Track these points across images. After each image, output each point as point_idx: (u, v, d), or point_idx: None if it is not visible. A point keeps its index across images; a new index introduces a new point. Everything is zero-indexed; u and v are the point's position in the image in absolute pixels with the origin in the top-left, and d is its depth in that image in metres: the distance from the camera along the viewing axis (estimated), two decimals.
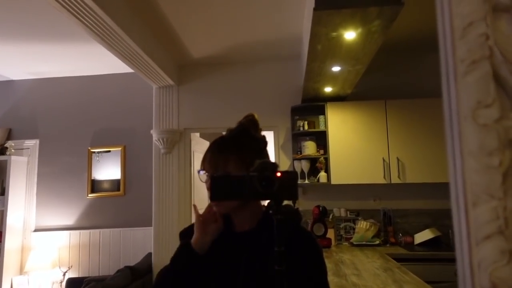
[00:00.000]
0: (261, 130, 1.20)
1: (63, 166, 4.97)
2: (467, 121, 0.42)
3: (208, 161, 1.11)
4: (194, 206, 1.15)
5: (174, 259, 1.09)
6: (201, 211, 1.11)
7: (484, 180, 0.42)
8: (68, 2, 2.41)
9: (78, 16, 2.60)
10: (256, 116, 1.21)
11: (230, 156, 1.10)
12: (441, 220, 4.08)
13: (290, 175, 0.85)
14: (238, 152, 1.11)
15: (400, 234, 4.09)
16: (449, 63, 0.44)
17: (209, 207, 1.11)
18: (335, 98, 4.16)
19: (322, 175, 4.06)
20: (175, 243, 1.13)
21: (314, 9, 2.22)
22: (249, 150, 1.13)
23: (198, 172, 1.14)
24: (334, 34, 2.52)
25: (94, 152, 4.97)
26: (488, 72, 0.42)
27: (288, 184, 0.84)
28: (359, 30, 2.46)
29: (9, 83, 5.17)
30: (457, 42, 0.43)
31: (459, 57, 0.43)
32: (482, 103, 0.42)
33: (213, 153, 1.12)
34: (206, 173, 1.11)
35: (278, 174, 0.83)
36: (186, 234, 1.15)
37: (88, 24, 2.74)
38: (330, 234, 4.03)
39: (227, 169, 1.07)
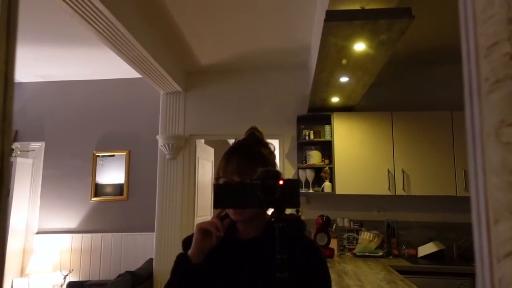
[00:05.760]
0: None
1: (67, 169, 4.98)
2: (490, 139, 0.42)
3: (236, 168, 1.09)
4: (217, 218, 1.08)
5: (173, 271, 1.07)
6: (202, 218, 1.08)
7: (506, 197, 0.42)
8: (81, 8, 2.44)
9: (90, 21, 2.63)
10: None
11: (257, 164, 1.08)
12: (445, 233, 4.06)
13: (292, 183, 0.85)
14: (265, 161, 1.12)
15: (403, 246, 4.06)
16: (472, 81, 0.44)
17: (213, 218, 1.06)
18: (342, 109, 4.16)
19: (327, 184, 4.06)
20: (177, 249, 1.11)
21: (325, 21, 2.23)
22: (271, 160, 1.15)
23: (216, 179, 1.12)
24: (344, 45, 2.54)
25: (98, 156, 4.98)
26: None
27: (290, 192, 0.84)
28: (369, 42, 2.47)
29: (17, 86, 5.20)
30: (481, 61, 0.43)
31: (483, 76, 0.43)
32: (506, 122, 0.42)
33: (240, 161, 1.10)
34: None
35: (280, 182, 0.83)
36: (189, 242, 1.10)
37: (99, 29, 2.77)
38: (333, 244, 4.01)
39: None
